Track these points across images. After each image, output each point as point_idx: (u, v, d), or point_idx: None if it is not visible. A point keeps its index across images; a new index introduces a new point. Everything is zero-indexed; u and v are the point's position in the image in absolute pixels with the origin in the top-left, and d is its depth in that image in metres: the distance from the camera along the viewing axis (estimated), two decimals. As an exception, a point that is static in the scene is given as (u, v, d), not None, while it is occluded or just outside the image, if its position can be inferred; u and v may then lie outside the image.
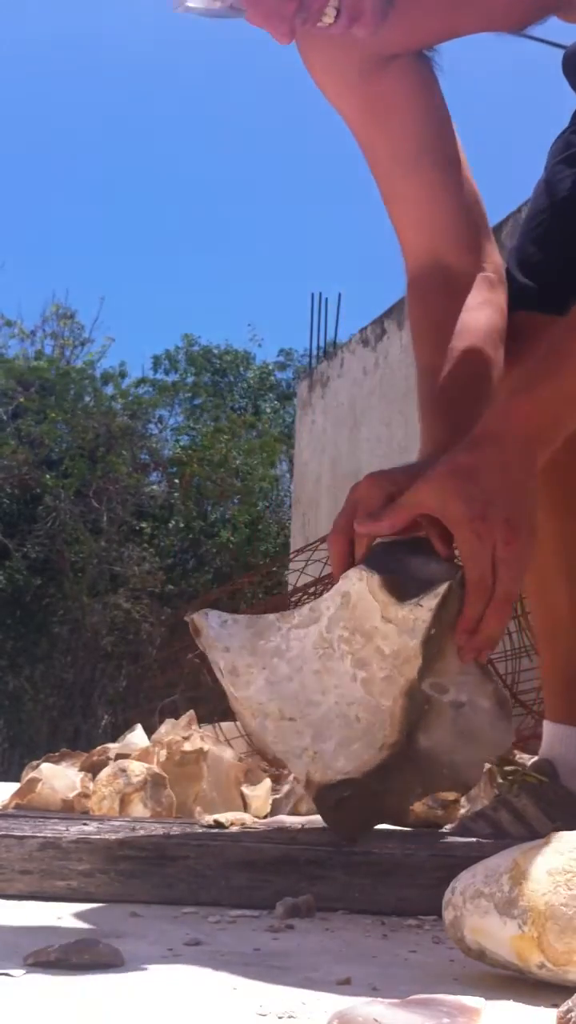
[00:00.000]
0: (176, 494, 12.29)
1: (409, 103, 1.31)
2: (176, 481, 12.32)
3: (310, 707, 1.16)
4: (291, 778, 2.29)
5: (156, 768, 1.94)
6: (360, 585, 1.13)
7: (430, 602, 1.10)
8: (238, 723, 3.29)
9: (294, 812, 2.04)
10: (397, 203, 1.36)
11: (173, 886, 1.11)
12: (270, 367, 14.22)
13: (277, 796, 2.16)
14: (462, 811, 1.80)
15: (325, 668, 1.16)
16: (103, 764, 2.24)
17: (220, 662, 1.18)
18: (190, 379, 13.69)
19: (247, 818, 1.81)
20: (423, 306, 1.36)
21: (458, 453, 1.12)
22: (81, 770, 2.35)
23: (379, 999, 0.66)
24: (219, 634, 1.19)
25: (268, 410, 13.77)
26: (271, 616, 1.19)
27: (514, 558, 1.08)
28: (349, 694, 1.15)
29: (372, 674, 1.14)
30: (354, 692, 1.15)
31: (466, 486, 1.09)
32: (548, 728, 1.41)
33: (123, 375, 12.70)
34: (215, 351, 14.19)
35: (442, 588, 1.10)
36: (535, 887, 0.73)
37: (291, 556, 6.52)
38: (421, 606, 1.11)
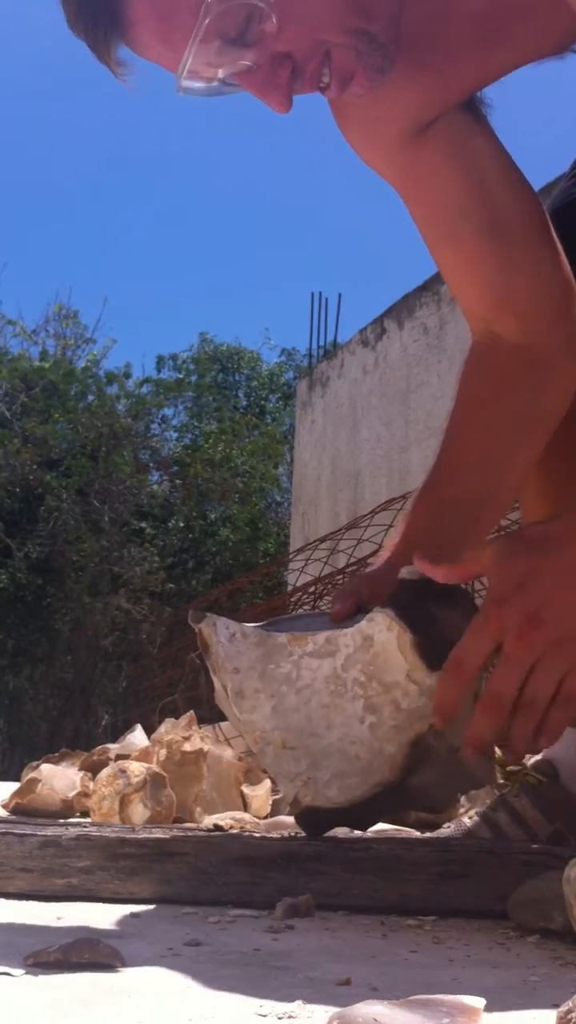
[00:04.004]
0: (176, 494, 12.29)
1: (443, 173, 1.25)
2: (178, 481, 12.33)
3: (312, 739, 1.15)
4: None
5: (156, 768, 1.94)
6: (388, 636, 1.10)
7: None
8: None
9: (294, 812, 2.03)
10: (444, 270, 1.33)
11: (173, 883, 1.11)
12: (282, 368, 14.26)
13: (277, 796, 2.16)
14: (462, 811, 1.80)
15: (334, 705, 1.14)
16: (103, 764, 2.24)
17: (228, 684, 1.15)
18: (194, 378, 13.70)
19: (247, 818, 1.82)
20: (462, 382, 1.33)
21: (542, 523, 1.06)
22: (81, 770, 2.35)
23: (379, 999, 0.65)
24: (228, 652, 1.15)
25: (272, 409, 13.79)
26: (282, 637, 1.15)
27: (514, 655, 1.00)
28: (353, 734, 1.14)
29: (382, 721, 1.13)
30: (359, 733, 1.14)
31: (508, 562, 1.01)
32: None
33: (128, 375, 12.72)
34: (222, 350, 14.24)
35: None
36: None
37: (291, 556, 6.53)
38: None
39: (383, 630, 1.11)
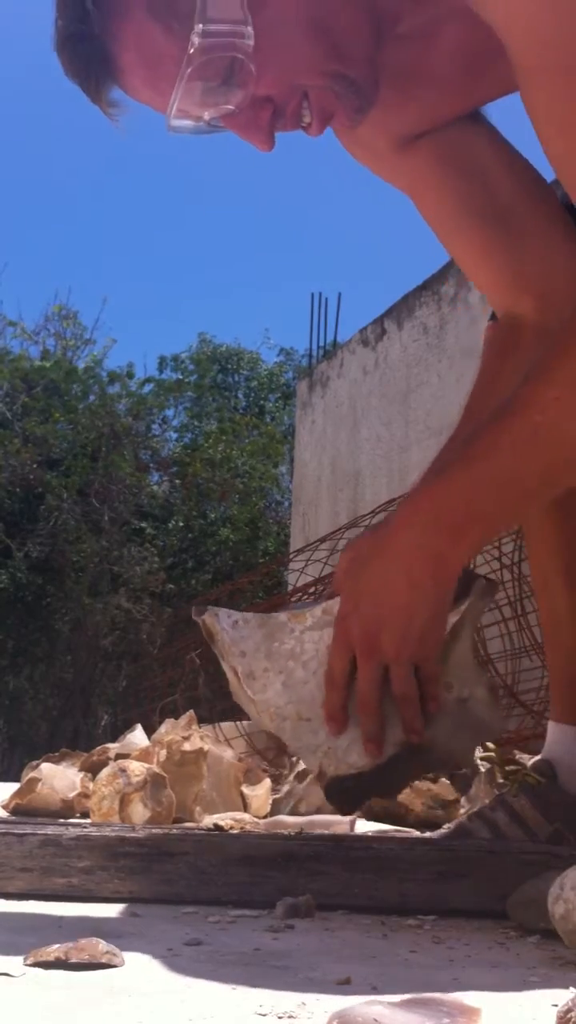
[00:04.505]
0: (176, 494, 12.29)
1: (439, 171, 1.29)
2: (178, 481, 12.32)
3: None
4: (291, 778, 2.28)
5: (156, 768, 1.94)
6: None
7: (451, 617, 1.16)
8: (238, 723, 3.29)
9: (294, 812, 2.04)
10: (459, 263, 1.38)
11: (173, 882, 1.11)
12: (282, 368, 14.25)
13: (277, 796, 2.17)
14: (462, 811, 1.80)
15: None
16: (103, 764, 2.24)
17: (238, 667, 1.19)
18: (194, 378, 13.69)
19: (247, 818, 1.82)
20: (484, 356, 1.36)
21: (366, 533, 1.17)
22: (81, 770, 2.36)
23: (379, 999, 0.65)
24: (234, 637, 1.19)
25: (272, 409, 13.79)
26: (281, 616, 1.20)
27: (363, 664, 1.13)
28: None
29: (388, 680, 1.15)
30: None
31: (348, 580, 1.14)
32: (550, 728, 1.42)
33: (131, 375, 12.70)
34: (221, 350, 14.23)
35: (463, 606, 1.17)
36: None
37: (291, 556, 6.52)
38: None
39: None
